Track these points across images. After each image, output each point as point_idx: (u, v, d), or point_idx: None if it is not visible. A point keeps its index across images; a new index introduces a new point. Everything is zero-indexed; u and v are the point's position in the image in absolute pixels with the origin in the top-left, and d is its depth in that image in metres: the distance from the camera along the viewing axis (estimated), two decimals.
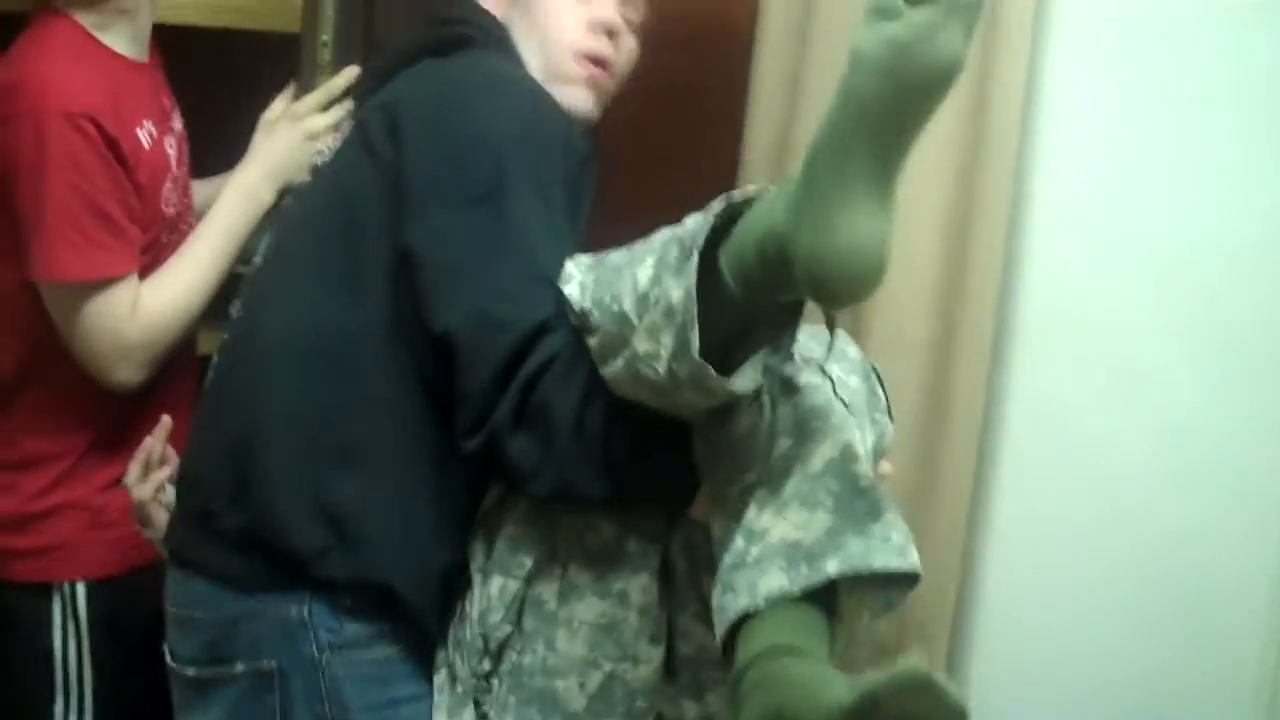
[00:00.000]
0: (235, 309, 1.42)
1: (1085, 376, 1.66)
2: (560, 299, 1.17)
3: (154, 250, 1.58)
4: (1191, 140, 1.59)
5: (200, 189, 1.72)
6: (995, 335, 1.67)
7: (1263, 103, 1.56)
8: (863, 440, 1.13)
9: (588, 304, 1.14)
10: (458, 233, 1.21)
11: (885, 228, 0.95)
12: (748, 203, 1.05)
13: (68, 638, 1.60)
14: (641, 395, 1.11)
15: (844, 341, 1.22)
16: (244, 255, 1.63)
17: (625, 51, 1.47)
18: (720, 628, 1.05)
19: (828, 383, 1.14)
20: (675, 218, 1.11)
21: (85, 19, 1.52)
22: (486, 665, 1.24)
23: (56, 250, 1.46)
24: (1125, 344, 1.64)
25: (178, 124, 1.67)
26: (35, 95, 1.44)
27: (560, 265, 1.20)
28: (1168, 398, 1.62)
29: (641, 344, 1.06)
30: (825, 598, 1.03)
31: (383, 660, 1.28)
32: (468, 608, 1.26)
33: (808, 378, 1.13)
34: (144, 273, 1.55)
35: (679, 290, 1.02)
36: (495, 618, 1.23)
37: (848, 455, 1.08)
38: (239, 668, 1.27)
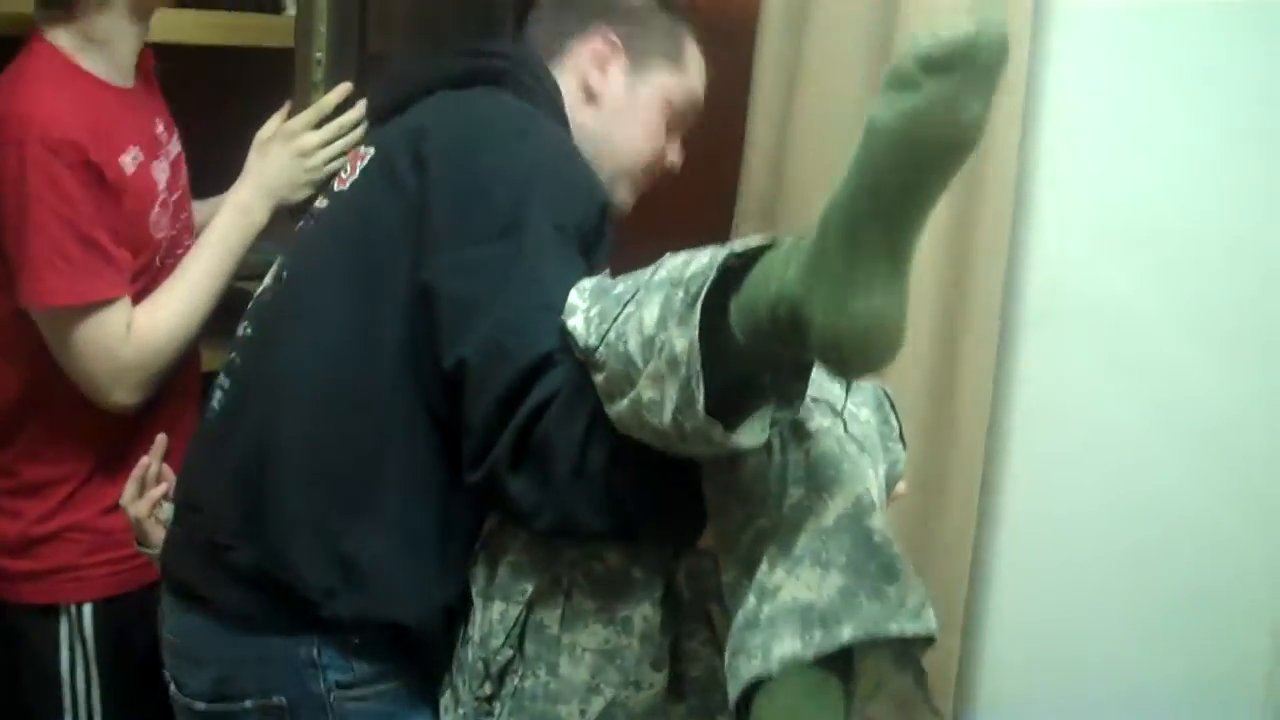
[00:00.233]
0: (243, 329, 1.40)
1: (1092, 368, 1.64)
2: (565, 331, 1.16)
3: (149, 274, 1.58)
4: (1194, 128, 1.57)
5: (200, 209, 1.72)
6: (1000, 328, 1.65)
7: (1265, 89, 1.53)
8: (876, 478, 1.10)
9: (594, 340, 1.12)
10: (476, 267, 1.19)
11: (900, 304, 0.93)
12: (760, 250, 1.01)
13: (75, 659, 1.61)
14: (646, 437, 1.09)
15: None
16: (241, 273, 1.63)
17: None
18: (733, 691, 1.02)
19: (839, 422, 1.11)
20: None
21: (65, 41, 1.51)
22: (488, 689, 1.23)
23: (43, 276, 1.46)
24: (1132, 335, 1.62)
25: (174, 147, 1.67)
26: (16, 125, 1.43)
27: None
28: (1176, 388, 1.60)
29: (646, 391, 1.04)
30: (840, 659, 1.01)
31: (390, 692, 1.28)
32: (470, 631, 1.25)
33: (819, 421, 1.10)
34: (140, 297, 1.55)
35: (683, 341, 0.99)
36: (496, 642, 1.22)
37: (860, 509, 1.05)
38: (248, 704, 1.28)
